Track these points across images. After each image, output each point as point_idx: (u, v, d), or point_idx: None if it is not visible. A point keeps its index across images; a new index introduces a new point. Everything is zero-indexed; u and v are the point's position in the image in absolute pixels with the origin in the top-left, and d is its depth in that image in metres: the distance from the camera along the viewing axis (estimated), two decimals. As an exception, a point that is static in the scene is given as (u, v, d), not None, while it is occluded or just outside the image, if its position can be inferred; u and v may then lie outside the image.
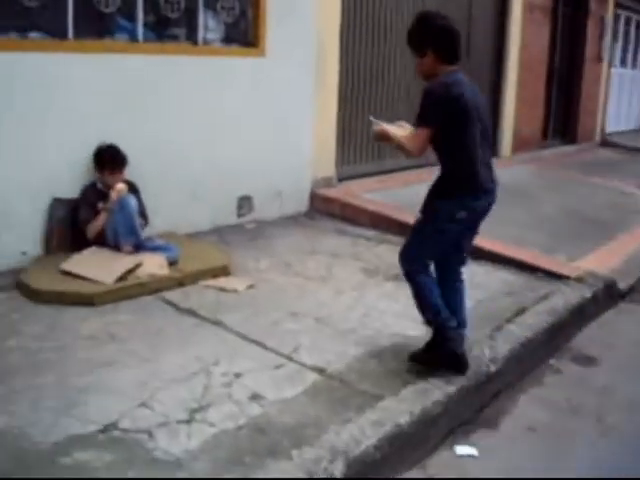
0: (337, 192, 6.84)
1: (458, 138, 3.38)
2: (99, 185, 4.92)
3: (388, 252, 5.70)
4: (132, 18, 5.18)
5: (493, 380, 3.86)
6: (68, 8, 4.79)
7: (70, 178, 4.92)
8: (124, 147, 4.89)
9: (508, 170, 8.57)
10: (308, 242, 5.98)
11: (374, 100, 7.64)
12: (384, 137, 3.50)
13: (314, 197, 6.77)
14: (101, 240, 4.78)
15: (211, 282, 4.78)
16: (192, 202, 5.64)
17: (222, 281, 4.82)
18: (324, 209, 6.72)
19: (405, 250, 3.66)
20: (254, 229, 6.21)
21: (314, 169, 6.75)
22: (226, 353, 3.78)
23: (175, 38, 5.50)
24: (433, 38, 3.38)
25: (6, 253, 4.68)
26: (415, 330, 4.15)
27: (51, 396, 3.24)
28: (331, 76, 6.78)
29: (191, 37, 5.56)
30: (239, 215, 6.07)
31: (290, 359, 3.75)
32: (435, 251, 3.65)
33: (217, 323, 4.17)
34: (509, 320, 4.48)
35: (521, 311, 4.64)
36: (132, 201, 4.72)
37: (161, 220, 5.31)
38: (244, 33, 5.96)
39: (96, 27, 5.02)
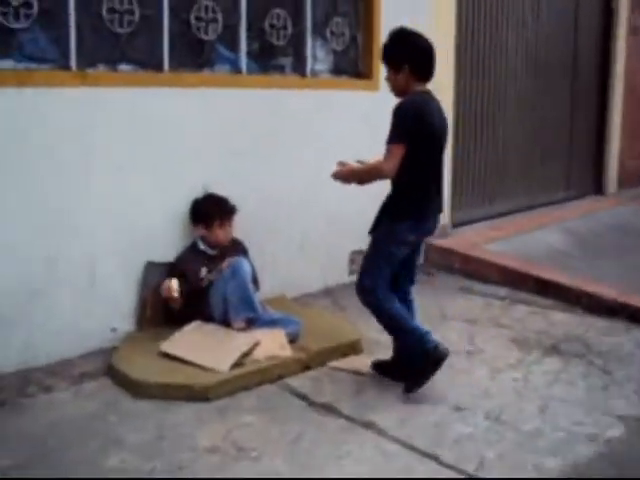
0: (455, 243, 5.90)
1: (421, 158, 3.34)
2: (201, 246, 4.07)
3: (530, 316, 4.86)
4: (234, 46, 4.38)
5: None
6: (163, 36, 4.01)
7: (166, 237, 4.09)
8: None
9: (622, 209, 7.60)
10: (434, 304, 5.04)
11: (488, 140, 6.73)
12: (350, 175, 3.48)
13: (429, 249, 5.84)
14: (204, 313, 3.91)
15: (342, 364, 3.87)
16: (301, 259, 4.77)
17: (355, 362, 3.91)
18: (442, 262, 5.78)
19: (362, 279, 3.56)
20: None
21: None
22: (395, 472, 2.85)
23: (281, 69, 4.69)
24: (411, 54, 3.35)
25: (93, 330, 3.84)
26: (614, 428, 3.24)
27: None
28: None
29: (298, 68, 4.74)
30: (350, 272, 5.16)
31: (479, 481, 2.82)
32: (388, 273, 3.52)
33: (368, 426, 3.24)
34: None
35: None
36: (245, 266, 3.85)
37: (268, 282, 4.42)
38: (354, 63, 5.13)
39: (194, 57, 4.23)
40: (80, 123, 3.66)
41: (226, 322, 3.86)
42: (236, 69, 4.40)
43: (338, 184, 3.56)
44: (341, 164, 3.53)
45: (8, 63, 3.52)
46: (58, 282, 3.67)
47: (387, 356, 4.03)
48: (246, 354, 3.63)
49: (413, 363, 3.52)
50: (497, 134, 6.83)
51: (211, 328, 3.84)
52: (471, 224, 6.51)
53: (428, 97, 3.42)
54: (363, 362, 3.88)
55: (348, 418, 3.32)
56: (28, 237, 3.54)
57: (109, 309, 3.89)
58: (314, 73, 4.82)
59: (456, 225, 6.30)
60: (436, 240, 5.88)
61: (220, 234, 4.01)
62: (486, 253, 5.70)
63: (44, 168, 3.56)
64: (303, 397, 3.51)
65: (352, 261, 5.23)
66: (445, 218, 6.08)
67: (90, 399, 3.42)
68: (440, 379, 3.75)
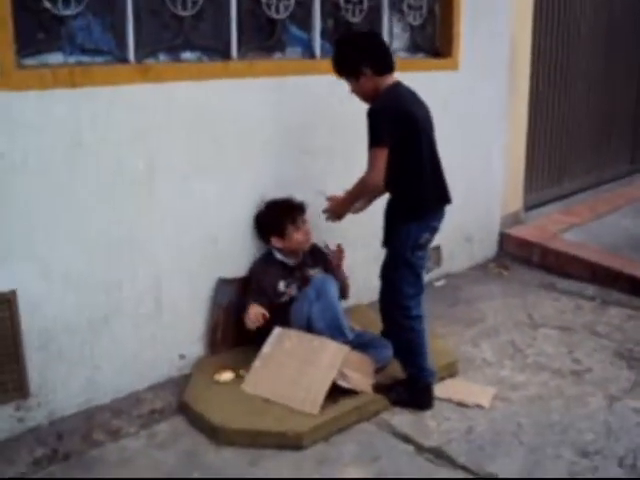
0: (530, 232, 5.40)
1: (411, 152, 3.10)
2: (278, 255, 3.60)
3: (628, 321, 4.40)
4: (306, 25, 3.82)
5: None
6: (231, 16, 3.45)
7: (237, 250, 3.61)
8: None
9: None
10: (519, 306, 4.58)
11: (560, 116, 6.16)
12: (341, 206, 3.36)
13: (504, 239, 5.35)
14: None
15: (441, 391, 3.42)
16: (375, 261, 4.24)
17: (456, 390, 3.46)
18: (518, 254, 5.30)
19: (388, 295, 3.27)
20: (446, 288, 4.84)
21: (504, 203, 5.33)
22: None
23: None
24: (366, 53, 3.11)
25: (160, 359, 3.41)
26: None
27: None
28: (521, 96, 5.36)
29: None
30: (427, 270, 4.66)
31: None
32: (414, 282, 3.24)
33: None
34: None
35: None
36: (332, 286, 3.36)
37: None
38: (431, 39, 4.55)
39: (263, 39, 3.68)
40: (140, 126, 3.14)
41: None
42: (309, 52, 3.84)
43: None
44: (330, 199, 3.41)
45: (57, 57, 2.99)
46: (121, 309, 3.21)
47: (484, 377, 3.62)
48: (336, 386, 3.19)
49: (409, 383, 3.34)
50: (568, 109, 6.25)
51: (293, 344, 3.35)
52: (542, 206, 6.00)
53: (400, 88, 3.15)
54: (467, 391, 3.44)
55: (464, 468, 2.89)
56: (85, 261, 3.06)
57: (176, 334, 3.44)
58: (391, 52, 4.25)
59: (528, 209, 5.79)
60: (510, 229, 5.40)
61: (299, 237, 3.54)
62: (567, 245, 5.20)
63: (102, 181, 3.06)
64: (407, 439, 3.08)
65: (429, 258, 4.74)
66: (518, 203, 5.60)
67: (165, 448, 2.99)
68: (556, 408, 3.34)
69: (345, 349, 3.30)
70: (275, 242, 3.55)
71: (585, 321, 4.38)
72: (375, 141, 3.05)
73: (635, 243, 5.40)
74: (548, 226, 5.53)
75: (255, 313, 3.30)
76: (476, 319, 4.37)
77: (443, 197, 3.27)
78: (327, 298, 3.32)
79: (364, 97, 3.17)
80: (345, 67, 3.15)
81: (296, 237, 3.55)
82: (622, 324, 4.34)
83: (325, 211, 3.44)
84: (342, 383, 3.21)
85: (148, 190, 3.22)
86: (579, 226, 5.64)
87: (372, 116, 3.05)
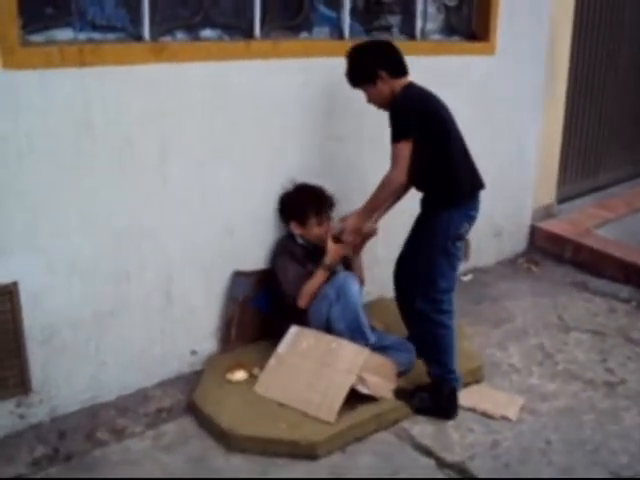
0: (563, 227, 5.14)
1: (441, 146, 3.00)
2: (299, 240, 3.41)
3: (664, 327, 4.13)
4: (335, 4, 3.57)
5: None
6: (254, -9, 3.23)
7: (255, 241, 3.42)
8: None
9: None
10: (549, 305, 4.36)
11: (598, 106, 5.85)
12: (361, 218, 3.18)
13: (535, 233, 5.11)
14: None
15: (465, 400, 3.21)
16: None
17: (481, 398, 3.26)
18: (549, 249, 5.05)
19: (413, 288, 3.13)
20: (473, 284, 4.61)
21: (536, 194, 5.07)
22: None
23: (387, 30, 3.86)
24: (380, 57, 3.07)
25: (170, 354, 3.24)
26: None
27: None
28: (560, 82, 5.08)
29: (406, 28, 3.92)
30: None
31: None
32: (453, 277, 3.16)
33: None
34: None
35: None
36: (353, 285, 3.16)
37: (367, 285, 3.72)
38: (467, 21, 4.27)
39: (289, 18, 3.45)
40: (153, 108, 2.94)
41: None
42: (337, 32, 3.61)
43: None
44: (342, 219, 3.29)
45: (66, 33, 2.78)
46: (129, 302, 3.04)
47: (511, 385, 3.42)
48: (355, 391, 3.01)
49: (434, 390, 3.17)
50: (608, 97, 5.94)
51: (309, 344, 3.16)
52: (576, 199, 5.73)
53: (417, 87, 3.09)
54: (493, 401, 3.24)
55: (490, 488, 2.71)
56: (91, 251, 2.88)
57: (188, 329, 3.26)
58: (424, 34, 4.00)
59: (561, 201, 5.52)
60: (541, 223, 5.15)
61: (319, 232, 3.34)
62: (601, 242, 4.94)
63: (111, 166, 2.87)
64: (428, 452, 2.89)
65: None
66: (551, 196, 5.34)
67: (172, 451, 2.82)
68: (587, 424, 3.13)
69: (365, 352, 3.10)
70: (294, 227, 3.37)
71: (619, 325, 4.15)
72: (400, 134, 2.93)
73: (674, 242, 5.13)
74: (582, 220, 5.27)
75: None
76: (504, 319, 4.15)
77: (477, 183, 3.15)
78: (348, 298, 3.11)
79: (382, 103, 3.10)
80: (361, 73, 3.09)
81: (316, 231, 3.35)
82: (659, 330, 4.11)
83: (342, 234, 3.22)
84: (361, 389, 3.02)
85: (160, 176, 3.03)
86: (614, 222, 5.37)
87: (396, 110, 2.98)
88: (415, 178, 3.01)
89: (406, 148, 2.92)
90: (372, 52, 3.09)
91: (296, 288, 3.24)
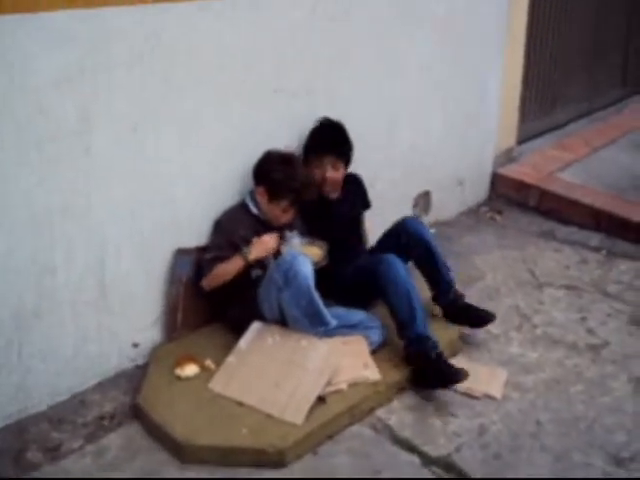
0: (525, 171, 4.83)
1: None
2: (253, 209, 2.99)
3: (639, 278, 3.90)
4: None
5: None
6: None
7: (199, 213, 2.97)
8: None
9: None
10: (519, 259, 4.07)
11: (555, 38, 5.48)
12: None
13: (497, 180, 4.78)
14: (255, 313, 2.87)
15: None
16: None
17: (460, 377, 2.95)
18: (512, 197, 4.74)
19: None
20: (436, 239, 4.26)
21: (497, 140, 4.73)
22: None
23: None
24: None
25: (108, 350, 2.81)
26: None
27: None
28: (520, 15, 4.68)
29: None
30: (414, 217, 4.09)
31: None
32: None
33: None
34: None
35: None
36: (305, 268, 2.72)
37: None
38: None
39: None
40: (68, 67, 2.42)
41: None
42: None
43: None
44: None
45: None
46: (56, 298, 2.58)
47: (487, 356, 3.14)
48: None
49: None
50: (563, 34, 5.57)
51: (275, 341, 2.79)
52: (534, 139, 5.41)
53: None
54: (474, 377, 2.91)
55: (483, 484, 2.42)
56: (4, 241, 2.40)
57: (127, 319, 2.83)
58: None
59: (519, 142, 5.19)
60: (503, 169, 4.83)
61: (278, 214, 2.93)
62: (566, 187, 4.65)
63: (20, 140, 2.36)
64: (409, 447, 2.59)
65: (415, 204, 4.17)
66: (511, 138, 5.00)
67: (117, 469, 2.43)
68: (577, 397, 2.88)
69: (335, 359, 2.73)
70: (260, 194, 2.94)
71: (592, 278, 3.90)
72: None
73: (639, 184, 4.89)
74: (543, 164, 4.96)
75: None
76: (473, 277, 3.85)
77: None
78: (298, 281, 2.68)
79: (339, 187, 3.22)
80: (350, 152, 3.22)
81: (276, 212, 2.95)
82: (633, 282, 3.87)
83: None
84: (333, 388, 2.68)
85: (83, 145, 2.53)
86: (576, 163, 5.08)
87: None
88: None
89: None
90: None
91: (212, 260, 2.85)
